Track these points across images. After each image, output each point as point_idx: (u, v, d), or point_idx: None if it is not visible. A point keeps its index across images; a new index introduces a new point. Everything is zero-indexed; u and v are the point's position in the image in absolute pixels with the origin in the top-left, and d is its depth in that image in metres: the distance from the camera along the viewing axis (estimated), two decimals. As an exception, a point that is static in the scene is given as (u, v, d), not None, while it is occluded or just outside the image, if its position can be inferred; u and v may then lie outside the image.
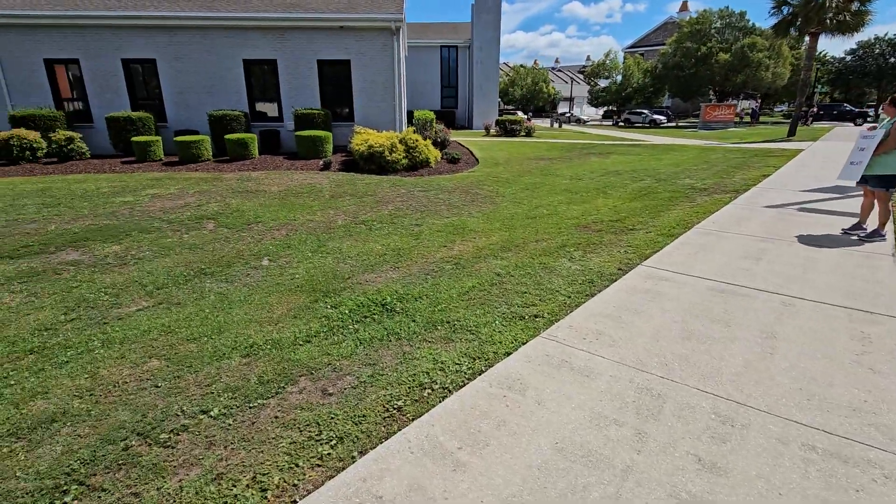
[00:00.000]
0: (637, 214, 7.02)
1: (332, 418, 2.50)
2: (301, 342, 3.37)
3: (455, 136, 17.64)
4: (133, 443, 2.36)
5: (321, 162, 11.66)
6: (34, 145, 11.59)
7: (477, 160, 13.49)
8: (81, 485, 2.10)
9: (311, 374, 2.96)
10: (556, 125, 36.60)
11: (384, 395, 2.70)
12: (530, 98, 51.93)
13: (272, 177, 10.20)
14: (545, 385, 2.72)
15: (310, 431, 2.41)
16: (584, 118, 49.47)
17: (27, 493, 2.05)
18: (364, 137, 11.35)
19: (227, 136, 12.26)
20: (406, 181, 9.96)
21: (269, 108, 14.76)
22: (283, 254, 5.40)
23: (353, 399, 2.68)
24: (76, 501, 2.01)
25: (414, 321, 3.67)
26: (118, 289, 4.41)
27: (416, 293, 4.20)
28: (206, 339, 3.44)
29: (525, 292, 4.19)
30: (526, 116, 31.84)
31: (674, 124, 38.86)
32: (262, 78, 14.46)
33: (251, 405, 2.64)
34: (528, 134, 24.33)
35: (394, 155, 10.88)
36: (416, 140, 11.53)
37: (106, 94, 13.92)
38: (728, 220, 6.48)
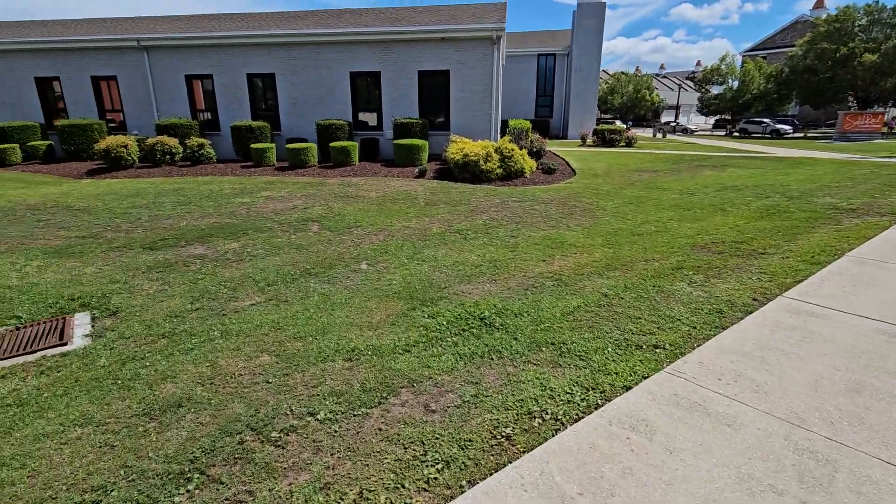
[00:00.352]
0: (767, 236, 6.15)
1: (437, 438, 2.37)
2: (401, 351, 3.32)
3: (549, 146, 17.11)
4: (247, 437, 2.42)
5: (416, 170, 11.92)
6: (173, 150, 13.28)
7: (573, 171, 12.93)
8: (203, 475, 2.18)
9: (413, 386, 2.87)
10: (658, 135, 34.20)
11: (490, 420, 2.52)
12: (630, 106, 49.14)
13: (371, 183, 10.60)
14: (676, 431, 2.35)
15: (414, 450, 2.30)
16: (692, 128, 45.51)
17: (157, 476, 2.17)
18: (460, 146, 11.40)
19: (331, 144, 13.05)
20: (500, 191, 9.79)
21: (370, 118, 15.49)
22: (380, 259, 5.49)
23: (457, 419, 2.53)
24: (198, 491, 2.09)
25: (516, 339, 3.46)
26: (235, 283, 4.75)
27: (516, 309, 3.99)
28: (311, 338, 3.53)
29: (639, 318, 3.78)
30: (625, 126, 30.09)
31: (801, 135, 34.33)
32: (365, 89, 15.24)
33: (355, 413, 2.61)
34: (629, 144, 22.97)
35: (488, 164, 10.77)
36: (512, 149, 11.33)
37: (232, 105, 15.60)
38: (892, 248, 5.41)
